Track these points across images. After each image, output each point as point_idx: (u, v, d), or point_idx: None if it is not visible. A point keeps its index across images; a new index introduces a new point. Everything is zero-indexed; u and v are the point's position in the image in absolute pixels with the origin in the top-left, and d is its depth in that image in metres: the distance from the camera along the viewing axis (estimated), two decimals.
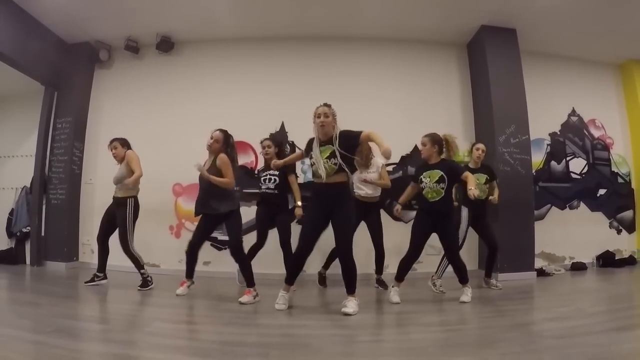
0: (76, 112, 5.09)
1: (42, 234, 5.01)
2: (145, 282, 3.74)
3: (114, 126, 5.01)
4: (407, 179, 4.74)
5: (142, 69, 5.20)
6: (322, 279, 4.13)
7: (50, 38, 4.93)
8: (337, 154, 2.85)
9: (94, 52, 5.16)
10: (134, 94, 5.16)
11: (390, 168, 4.48)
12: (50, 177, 5.05)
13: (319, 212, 2.95)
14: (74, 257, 4.97)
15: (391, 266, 4.61)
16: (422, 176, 3.26)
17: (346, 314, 2.84)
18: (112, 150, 3.81)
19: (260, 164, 4.54)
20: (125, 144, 3.85)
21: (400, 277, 3.37)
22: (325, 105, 2.98)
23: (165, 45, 5.00)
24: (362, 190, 3.86)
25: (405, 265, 3.36)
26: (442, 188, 3.19)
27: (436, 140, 3.30)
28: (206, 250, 4.61)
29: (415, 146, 4.83)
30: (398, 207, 3.53)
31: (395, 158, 4.85)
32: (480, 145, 3.99)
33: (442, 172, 3.19)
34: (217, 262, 4.62)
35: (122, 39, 5.03)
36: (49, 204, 5.01)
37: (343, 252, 2.93)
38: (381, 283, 4.08)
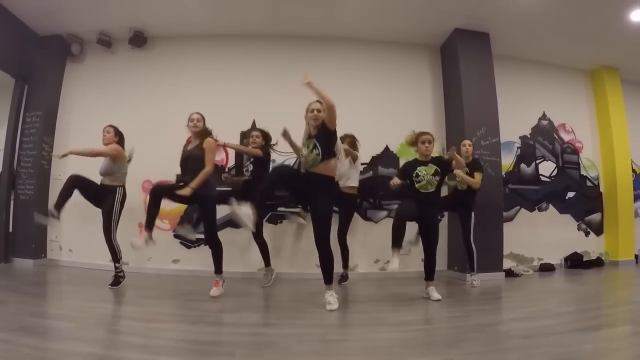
0: (46, 106, 4.99)
1: (10, 230, 4.88)
2: (117, 280, 3.69)
3: (85, 121, 4.97)
4: (378, 180, 4.85)
5: (114, 64, 5.12)
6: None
7: (21, 29, 4.82)
8: (317, 146, 3.04)
9: (65, 45, 5.06)
10: (105, 88, 5.08)
11: (360, 168, 4.50)
12: (18, 172, 4.94)
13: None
14: (42, 254, 4.87)
15: (361, 265, 4.69)
16: (417, 171, 3.41)
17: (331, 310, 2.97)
18: (105, 133, 3.77)
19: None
20: (118, 134, 3.86)
21: (396, 242, 3.30)
22: (318, 102, 3.11)
23: (138, 40, 4.94)
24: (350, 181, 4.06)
25: (398, 229, 3.31)
26: (437, 180, 3.42)
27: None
28: (175, 248, 4.60)
29: (387, 146, 4.91)
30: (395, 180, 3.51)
31: (366, 158, 4.87)
32: (467, 141, 4.20)
33: (436, 166, 3.42)
34: (185, 260, 4.58)
35: (95, 33, 4.96)
36: (17, 200, 4.90)
37: (320, 240, 3.05)
38: (343, 277, 4.19)
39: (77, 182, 3.64)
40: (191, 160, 3.42)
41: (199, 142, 3.47)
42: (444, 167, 3.44)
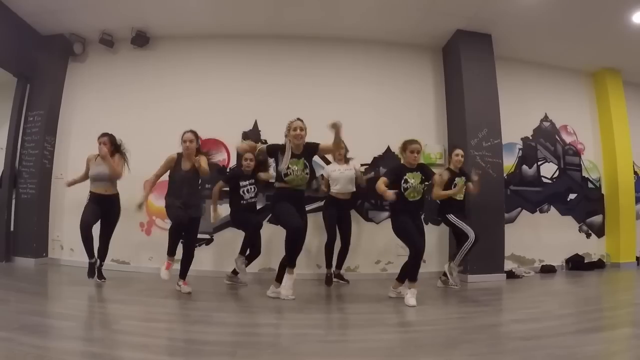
0: (48, 105, 5.00)
1: (11, 229, 4.90)
2: (102, 272, 3.95)
3: (87, 120, 4.98)
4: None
5: (117, 64, 5.13)
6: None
7: (24, 29, 4.83)
8: (307, 165, 3.28)
9: (68, 44, 5.06)
10: (107, 88, 5.09)
11: (362, 168, 4.50)
12: (20, 171, 4.95)
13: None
14: (43, 253, 4.88)
15: (362, 266, 4.69)
16: (406, 177, 3.39)
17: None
18: (102, 144, 3.80)
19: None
20: (113, 143, 3.95)
21: (412, 279, 3.34)
22: (300, 120, 3.28)
23: (141, 40, 4.95)
24: (346, 187, 4.11)
25: (413, 266, 3.35)
26: (423, 188, 3.46)
27: None
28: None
29: (388, 147, 4.91)
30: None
31: (368, 159, 4.88)
32: (459, 151, 4.14)
33: (421, 175, 3.45)
34: None
35: (97, 32, 4.96)
36: (19, 199, 4.91)
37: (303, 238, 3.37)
38: (341, 277, 4.24)
39: (89, 225, 3.76)
40: (194, 182, 3.60)
41: (192, 164, 3.58)
42: (427, 175, 3.50)
